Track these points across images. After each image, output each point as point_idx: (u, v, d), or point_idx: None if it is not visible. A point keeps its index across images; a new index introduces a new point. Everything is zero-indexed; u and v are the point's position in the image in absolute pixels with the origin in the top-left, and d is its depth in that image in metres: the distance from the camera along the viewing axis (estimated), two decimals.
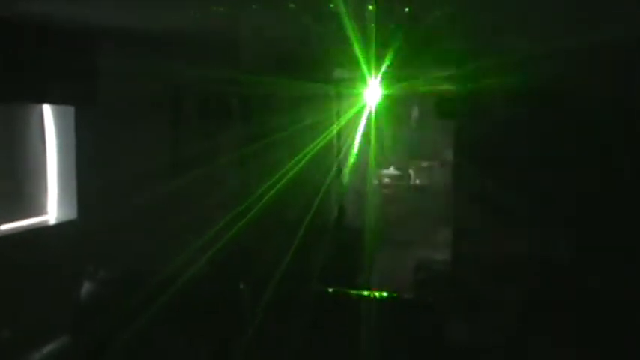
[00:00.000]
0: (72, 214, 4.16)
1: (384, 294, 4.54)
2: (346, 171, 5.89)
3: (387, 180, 6.70)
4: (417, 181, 6.74)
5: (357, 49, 4.32)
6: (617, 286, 4.64)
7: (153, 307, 3.33)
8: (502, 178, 5.09)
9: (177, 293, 3.49)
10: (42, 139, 4.11)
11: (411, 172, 6.77)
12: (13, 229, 3.87)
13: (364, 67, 4.64)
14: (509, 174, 5.07)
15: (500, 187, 5.11)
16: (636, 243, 4.68)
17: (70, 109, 4.09)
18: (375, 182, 6.63)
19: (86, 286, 3.45)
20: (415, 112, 6.25)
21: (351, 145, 5.53)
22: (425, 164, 6.87)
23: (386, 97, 5.08)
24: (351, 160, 5.68)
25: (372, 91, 4.84)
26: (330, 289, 4.37)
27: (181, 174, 4.74)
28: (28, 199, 4.07)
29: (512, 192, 5.05)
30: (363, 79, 4.86)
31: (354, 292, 4.51)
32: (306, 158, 5.00)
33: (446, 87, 5.16)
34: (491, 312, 5.04)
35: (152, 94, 4.50)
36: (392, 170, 6.74)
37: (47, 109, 4.11)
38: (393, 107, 5.25)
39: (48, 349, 3.38)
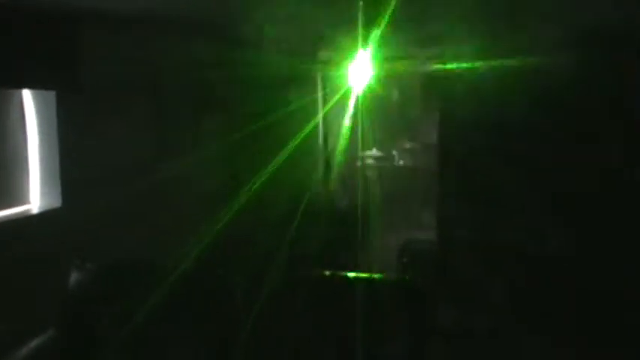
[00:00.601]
0: (55, 203, 4.06)
1: (374, 276, 4.53)
2: (333, 154, 5.85)
3: (370, 161, 6.66)
4: (401, 162, 6.73)
5: (343, 28, 4.26)
6: (607, 271, 4.71)
7: (144, 297, 3.27)
8: (489, 162, 5.10)
9: (168, 283, 3.44)
10: (22, 126, 3.99)
11: (395, 153, 6.75)
12: None
13: (350, 46, 4.59)
14: (496, 158, 5.07)
15: (488, 170, 5.11)
16: (628, 232, 4.74)
17: (51, 95, 3.97)
18: (358, 164, 6.58)
19: (73, 277, 3.37)
20: (396, 94, 6.19)
21: (337, 128, 5.49)
22: (408, 145, 6.85)
23: (372, 77, 5.02)
24: (339, 142, 5.63)
25: (357, 72, 4.78)
26: (321, 273, 4.35)
27: (167, 161, 4.66)
28: (8, 188, 3.96)
29: (499, 175, 5.07)
30: (349, 60, 4.80)
31: (344, 274, 4.49)
32: (293, 142, 4.94)
33: (434, 67, 5.12)
34: (477, 295, 5.08)
35: (136, 78, 4.40)
36: (374, 152, 6.70)
37: (27, 95, 3.98)
38: (377, 88, 5.18)
39: (34, 343, 3.30)
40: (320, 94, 5.42)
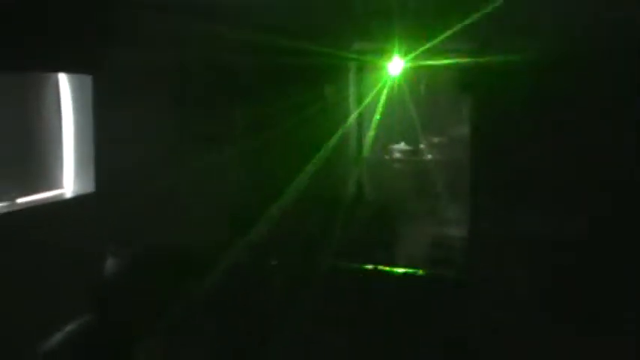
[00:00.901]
0: (89, 187, 4.02)
1: (408, 270, 4.48)
2: (365, 146, 5.79)
3: (397, 155, 6.59)
4: (429, 156, 6.64)
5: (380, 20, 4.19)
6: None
7: (182, 284, 3.23)
8: (522, 155, 5.01)
9: (205, 270, 3.40)
10: (57, 110, 3.96)
11: (422, 146, 6.67)
12: (27, 204, 3.73)
13: (386, 38, 4.53)
14: (529, 151, 4.99)
15: (520, 164, 5.02)
16: None
17: (87, 79, 3.93)
18: (386, 157, 6.52)
19: (108, 264, 3.32)
20: (428, 87, 6.11)
21: (370, 120, 5.44)
22: (435, 139, 6.77)
23: (404, 70, 4.97)
24: (370, 134, 5.58)
25: (393, 64, 4.73)
26: (353, 265, 4.30)
27: (202, 147, 4.61)
28: (42, 172, 3.93)
29: (531, 169, 4.98)
30: (385, 51, 4.74)
31: (376, 267, 4.44)
32: (326, 134, 4.90)
33: (467, 59, 5.04)
34: (508, 289, 4.99)
35: (169, 63, 4.35)
36: (403, 145, 6.63)
37: (63, 79, 3.95)
38: (409, 82, 5.13)
39: (68, 329, 3.25)
40: (352, 87, 5.35)
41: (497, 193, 5.22)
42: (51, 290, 3.55)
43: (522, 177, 5.06)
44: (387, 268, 4.41)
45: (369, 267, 4.25)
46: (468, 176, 6.04)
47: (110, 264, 3.36)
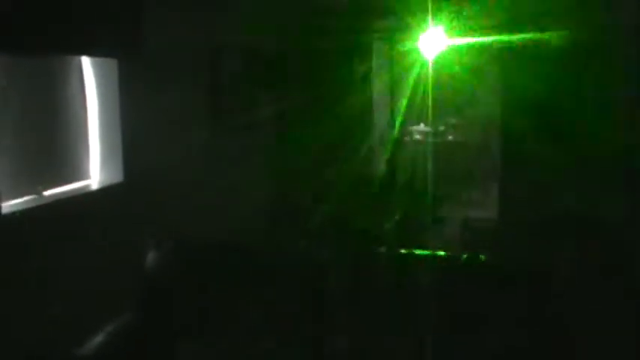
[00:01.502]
0: (118, 177, 3.82)
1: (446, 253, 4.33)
2: (386, 127, 5.64)
3: (417, 137, 6.43)
4: (450, 138, 6.49)
5: None
6: None
7: (225, 278, 3.07)
8: (549, 136, 4.90)
9: (241, 257, 3.23)
10: (82, 96, 3.74)
11: (442, 128, 6.50)
12: (53, 196, 3.53)
13: (417, 16, 4.36)
14: (556, 132, 4.88)
15: (547, 145, 4.91)
16: None
17: (113, 62, 3.72)
18: (407, 139, 6.36)
19: (150, 258, 3.15)
20: (454, 68, 5.93)
21: (400, 101, 5.28)
22: (453, 121, 6.61)
23: (437, 49, 4.81)
24: (399, 116, 5.44)
25: (426, 43, 4.56)
26: (391, 250, 4.15)
27: (230, 132, 4.43)
28: (67, 163, 3.72)
29: (559, 150, 4.88)
30: (417, 30, 4.57)
31: (417, 252, 4.29)
32: (356, 115, 4.74)
33: (497, 40, 4.88)
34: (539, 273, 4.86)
35: (196, 46, 4.15)
36: (422, 127, 6.47)
37: (87, 63, 3.73)
38: (439, 61, 4.96)
39: (111, 328, 3.07)
40: (385, 67, 5.18)
41: (524, 175, 5.12)
42: (82, 287, 3.37)
43: (550, 159, 4.95)
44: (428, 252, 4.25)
45: (409, 250, 4.08)
46: (488, 158, 5.93)
47: (153, 258, 3.19)
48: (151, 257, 3.17)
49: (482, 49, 4.89)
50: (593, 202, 4.78)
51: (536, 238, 4.84)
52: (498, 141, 5.39)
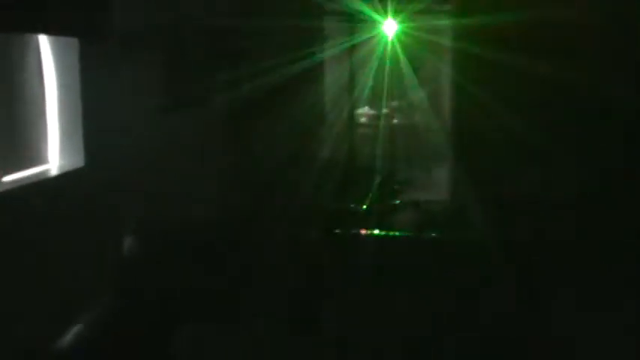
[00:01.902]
0: (78, 162, 3.67)
1: (399, 233, 4.45)
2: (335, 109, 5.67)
3: (363, 119, 6.52)
4: (395, 121, 6.61)
5: None
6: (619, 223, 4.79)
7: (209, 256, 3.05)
8: (498, 117, 5.06)
9: (203, 239, 3.22)
10: (39, 77, 3.56)
11: (386, 111, 6.61)
12: (9, 183, 3.35)
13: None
14: (506, 113, 5.04)
15: (496, 126, 5.08)
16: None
17: (73, 42, 3.55)
18: (353, 122, 6.42)
19: (132, 242, 3.08)
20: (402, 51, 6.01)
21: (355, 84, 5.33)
22: (395, 103, 6.74)
23: (386, 33, 4.88)
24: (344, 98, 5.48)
25: (386, 26, 4.64)
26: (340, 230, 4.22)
27: (181, 113, 4.34)
28: (24, 147, 3.54)
29: (507, 131, 5.05)
30: (375, 13, 4.62)
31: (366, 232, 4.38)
32: (310, 98, 4.75)
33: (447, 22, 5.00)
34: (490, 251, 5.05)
35: (154, 25, 4.03)
36: (367, 109, 6.56)
37: (45, 42, 3.55)
38: (392, 45, 5.03)
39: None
40: (344, 48, 5.20)
41: (475, 155, 5.27)
42: (49, 280, 3.23)
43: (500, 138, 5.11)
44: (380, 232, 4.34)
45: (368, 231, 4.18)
46: (431, 139, 6.08)
47: (135, 242, 3.12)
48: (132, 241, 3.10)
49: (434, 33, 4.99)
50: (542, 183, 4.99)
51: (486, 217, 5.01)
52: (447, 123, 5.53)
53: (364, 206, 4.73)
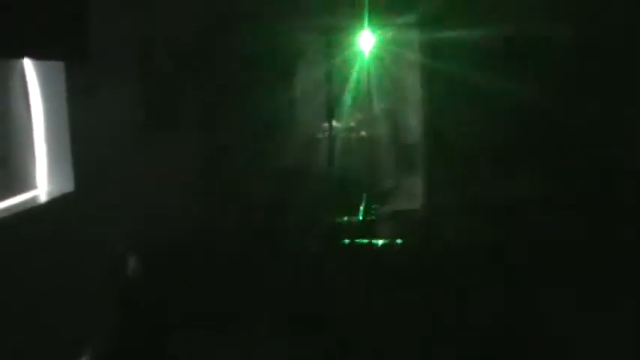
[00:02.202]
0: (67, 187, 3.59)
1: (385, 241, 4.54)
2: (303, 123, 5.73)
3: (322, 133, 6.56)
4: (362, 133, 6.69)
5: None
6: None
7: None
8: (467, 126, 5.22)
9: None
10: (25, 102, 3.49)
11: (353, 124, 6.70)
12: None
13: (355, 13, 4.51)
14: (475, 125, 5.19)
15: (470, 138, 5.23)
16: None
17: (58, 65, 3.50)
18: (319, 135, 6.48)
19: (128, 267, 3.04)
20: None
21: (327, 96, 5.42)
22: (361, 116, 6.83)
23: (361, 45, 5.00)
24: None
25: (360, 41, 4.74)
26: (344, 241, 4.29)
27: (165, 133, 4.32)
28: (12, 173, 3.45)
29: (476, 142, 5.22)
30: (354, 27, 4.72)
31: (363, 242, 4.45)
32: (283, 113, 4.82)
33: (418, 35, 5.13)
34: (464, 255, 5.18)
35: (133, 45, 4.01)
36: (334, 123, 6.62)
37: (29, 66, 3.48)
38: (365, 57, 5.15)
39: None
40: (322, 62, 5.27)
41: (447, 166, 5.41)
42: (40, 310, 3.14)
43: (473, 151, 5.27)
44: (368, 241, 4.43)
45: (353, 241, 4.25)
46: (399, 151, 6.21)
47: (130, 266, 3.09)
48: (128, 265, 3.06)
49: (406, 45, 5.12)
50: (510, 188, 5.16)
51: (458, 224, 5.14)
52: (415, 135, 5.67)
53: (360, 217, 4.79)
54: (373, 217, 4.96)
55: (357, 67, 5.09)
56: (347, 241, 4.14)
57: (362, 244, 4.17)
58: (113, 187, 3.75)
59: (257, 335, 3.00)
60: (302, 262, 3.23)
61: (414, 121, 5.66)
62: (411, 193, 5.64)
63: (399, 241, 4.29)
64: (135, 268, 3.04)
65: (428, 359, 3.44)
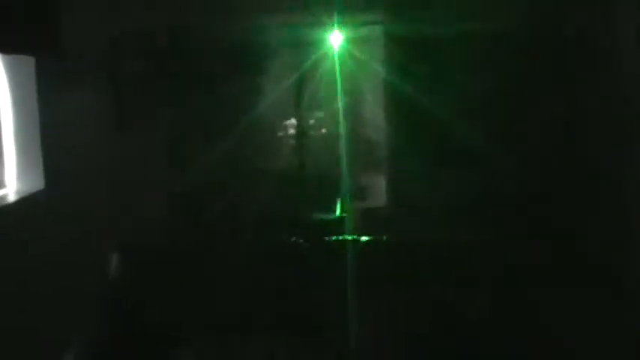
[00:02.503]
0: (38, 185, 3.49)
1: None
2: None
3: (291, 131, 6.59)
4: (331, 130, 6.73)
5: None
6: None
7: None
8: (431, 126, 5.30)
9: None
10: None
11: (322, 121, 6.72)
12: None
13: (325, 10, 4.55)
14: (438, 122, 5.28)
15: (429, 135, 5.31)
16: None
17: (29, 60, 3.40)
18: (280, 134, 6.48)
19: (113, 266, 3.00)
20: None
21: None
22: (319, 114, 6.86)
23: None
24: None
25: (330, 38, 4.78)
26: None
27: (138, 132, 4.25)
28: None
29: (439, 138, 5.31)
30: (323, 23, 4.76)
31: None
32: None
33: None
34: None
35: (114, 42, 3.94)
36: (293, 121, 6.64)
37: None
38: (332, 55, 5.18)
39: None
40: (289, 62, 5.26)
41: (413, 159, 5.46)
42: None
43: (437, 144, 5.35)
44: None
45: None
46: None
47: (116, 266, 3.04)
48: (113, 265, 3.01)
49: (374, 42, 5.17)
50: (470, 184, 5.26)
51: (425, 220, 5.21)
52: (380, 132, 5.73)
53: (337, 214, 4.82)
54: (350, 214, 4.99)
55: (326, 64, 5.11)
56: (334, 237, 4.16)
57: (348, 240, 4.21)
58: (84, 185, 3.67)
59: (249, 335, 3.01)
60: (292, 261, 3.23)
61: (380, 118, 5.70)
62: (381, 190, 5.69)
63: (384, 237, 4.34)
64: (112, 267, 2.99)
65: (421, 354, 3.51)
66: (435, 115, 5.17)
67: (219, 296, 3.16)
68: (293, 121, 5.89)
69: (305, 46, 5.20)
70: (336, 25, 4.81)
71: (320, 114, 6.27)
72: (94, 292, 3.15)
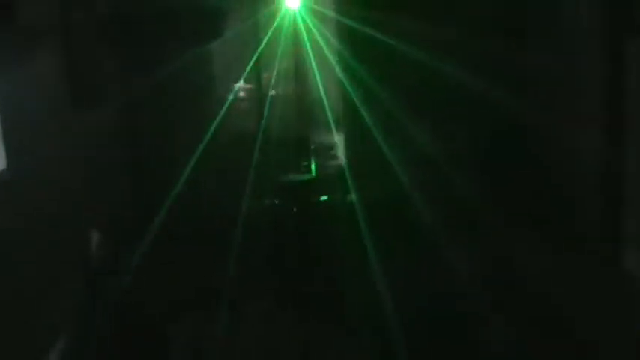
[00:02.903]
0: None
1: None
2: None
3: (242, 94, 6.51)
4: (272, 92, 6.67)
5: None
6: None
7: None
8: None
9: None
10: None
11: (263, 83, 6.65)
12: None
13: None
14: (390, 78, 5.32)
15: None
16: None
17: None
18: (231, 97, 6.40)
19: (93, 246, 2.96)
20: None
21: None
22: (267, 75, 6.81)
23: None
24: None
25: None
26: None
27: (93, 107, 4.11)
28: None
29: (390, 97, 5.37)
30: None
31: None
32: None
33: None
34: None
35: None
36: (242, 83, 6.55)
37: None
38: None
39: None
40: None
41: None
42: None
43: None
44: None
45: None
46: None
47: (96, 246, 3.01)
48: (93, 245, 2.98)
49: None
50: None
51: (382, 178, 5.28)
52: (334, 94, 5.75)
53: (313, 174, 4.83)
54: (325, 173, 5.02)
55: (283, 26, 5.07)
56: (324, 198, 4.19)
57: (337, 199, 4.24)
58: (43, 165, 3.55)
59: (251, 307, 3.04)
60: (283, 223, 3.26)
61: (334, 79, 5.69)
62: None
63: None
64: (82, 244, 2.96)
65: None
66: (387, 73, 5.21)
67: (202, 268, 3.16)
68: (250, 84, 5.81)
69: (262, 7, 5.13)
70: None
71: (276, 75, 6.24)
72: (63, 271, 3.09)
